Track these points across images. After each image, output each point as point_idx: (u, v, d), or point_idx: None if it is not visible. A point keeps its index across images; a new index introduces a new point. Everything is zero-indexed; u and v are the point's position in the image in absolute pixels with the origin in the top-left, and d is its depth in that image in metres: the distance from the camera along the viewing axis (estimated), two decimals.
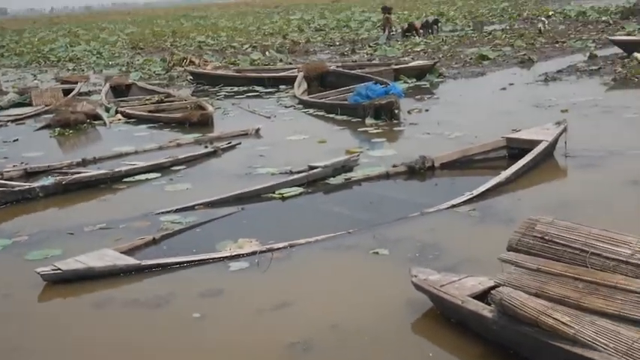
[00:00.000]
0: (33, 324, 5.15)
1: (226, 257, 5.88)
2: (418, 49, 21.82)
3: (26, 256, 6.36)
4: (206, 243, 6.30)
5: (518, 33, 24.86)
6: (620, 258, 4.10)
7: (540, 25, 27.63)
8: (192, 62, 21.58)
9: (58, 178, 8.61)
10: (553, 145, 8.41)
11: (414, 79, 15.54)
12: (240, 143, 10.37)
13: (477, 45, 21.75)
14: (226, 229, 6.68)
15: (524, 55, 18.61)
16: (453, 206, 6.79)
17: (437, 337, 4.46)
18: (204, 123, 12.07)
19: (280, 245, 6.02)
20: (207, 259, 5.87)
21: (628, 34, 20.90)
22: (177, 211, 7.23)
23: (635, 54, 15.76)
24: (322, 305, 5.01)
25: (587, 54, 17.66)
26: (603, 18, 28.84)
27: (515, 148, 8.45)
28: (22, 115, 14.46)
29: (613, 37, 18.67)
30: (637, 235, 4.37)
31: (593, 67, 15.43)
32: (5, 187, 8.24)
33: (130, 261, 5.81)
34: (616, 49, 17.23)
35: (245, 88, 16.48)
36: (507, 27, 28.60)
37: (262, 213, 7.17)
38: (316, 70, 15.94)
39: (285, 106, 13.66)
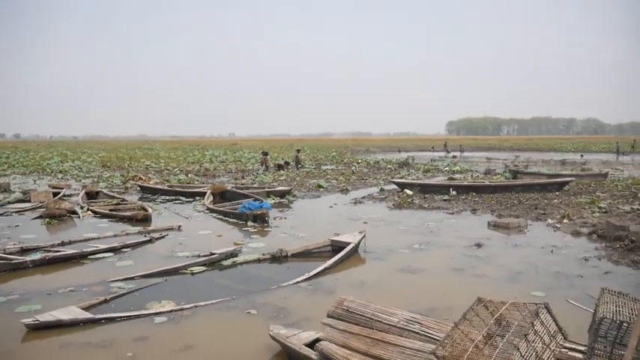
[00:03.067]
0: (16, 357, 4.72)
1: (152, 313, 5.60)
2: (282, 179, 22.07)
3: (16, 309, 5.81)
4: (140, 303, 5.96)
5: (340, 172, 25.62)
6: (392, 324, 4.23)
7: (353, 167, 28.75)
8: (140, 178, 20.97)
9: (43, 254, 8.00)
10: (358, 245, 8.62)
11: (279, 198, 15.65)
12: (167, 234, 10.03)
13: (317, 178, 22.25)
14: (154, 293, 6.34)
15: (344, 186, 19.17)
16: (297, 282, 6.78)
17: None
18: (145, 220, 11.62)
19: (189, 306, 5.80)
20: (140, 315, 5.55)
21: (402, 177, 22.06)
22: (122, 280, 6.84)
23: (406, 190, 16.62)
24: (213, 348, 4.84)
25: (379, 188, 18.30)
26: (389, 166, 30.32)
27: (336, 246, 8.58)
28: (23, 208, 13.40)
29: (393, 179, 19.56)
30: (402, 308, 4.55)
31: (382, 196, 15.96)
32: (5, 260, 7.59)
33: (88, 315, 5.43)
34: (394, 186, 17.93)
35: (174, 198, 16.05)
36: (335, 168, 29.49)
37: (179, 283, 6.88)
38: (219, 188, 15.81)
39: (198, 211, 13.35)
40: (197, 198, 15.59)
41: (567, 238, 9.59)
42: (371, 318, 4.31)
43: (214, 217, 12.42)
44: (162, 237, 9.82)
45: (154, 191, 17.24)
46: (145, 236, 9.70)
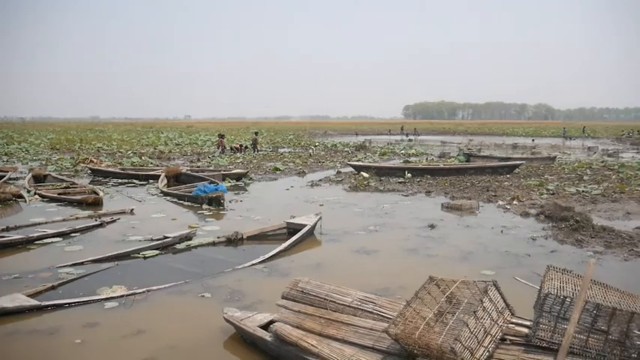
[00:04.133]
0: None
1: (103, 299, 5.44)
2: (239, 161, 21.86)
3: None
4: (90, 288, 5.78)
5: (297, 155, 25.56)
6: (345, 304, 4.25)
7: (310, 150, 28.73)
8: (91, 161, 20.36)
9: None
10: (314, 227, 8.63)
11: (235, 181, 15.50)
12: (119, 218, 9.76)
13: (274, 160, 22.13)
14: (105, 278, 6.16)
15: (301, 169, 19.14)
16: (253, 265, 6.74)
17: (237, 352, 4.37)
18: (96, 204, 11.28)
19: (141, 290, 5.66)
20: (89, 300, 5.38)
21: (358, 160, 22.21)
22: (71, 265, 6.62)
23: (362, 172, 16.74)
24: (166, 332, 4.75)
25: (336, 171, 18.39)
26: (346, 149, 30.46)
27: (292, 228, 8.56)
28: None
29: (350, 162, 19.65)
30: (356, 288, 4.58)
31: (339, 179, 16.01)
32: None
33: (34, 302, 5.22)
34: (351, 169, 18.02)
35: (126, 181, 15.61)
36: (292, 150, 29.40)
37: (131, 267, 6.71)
38: (174, 171, 15.50)
39: (152, 194, 13.05)
40: (151, 181, 15.26)
41: (516, 219, 9.89)
42: (325, 298, 4.33)
43: (168, 200, 12.19)
44: (114, 221, 9.56)
45: (106, 174, 16.76)
46: (96, 220, 9.41)
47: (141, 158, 23.13)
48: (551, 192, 12.99)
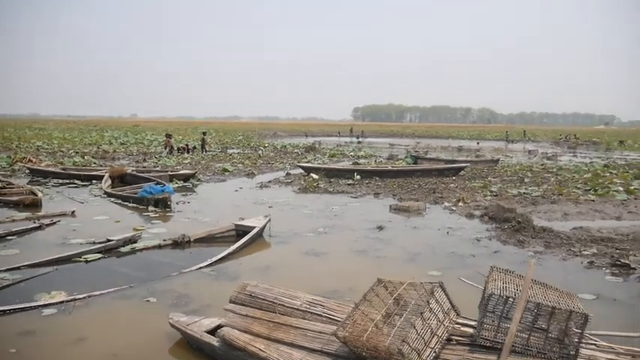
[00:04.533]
0: None
1: (40, 305, 5.19)
2: (186, 162, 21.43)
3: None
4: (27, 294, 5.50)
5: (247, 156, 25.33)
6: (294, 307, 4.22)
7: (260, 151, 28.55)
8: (30, 160, 19.42)
9: None
10: (263, 229, 8.56)
11: (182, 182, 15.18)
12: (60, 221, 9.38)
13: (223, 161, 21.85)
14: (43, 284, 5.88)
15: (250, 170, 18.95)
16: (200, 268, 6.61)
17: (183, 358, 4.26)
18: (35, 205, 10.80)
19: (82, 296, 5.44)
20: (26, 307, 5.13)
21: (308, 162, 22.24)
22: (6, 270, 6.27)
23: (312, 174, 16.75)
24: (109, 339, 4.58)
25: (286, 172, 18.30)
26: (295, 150, 30.41)
27: (241, 231, 8.46)
28: None
29: (299, 164, 19.67)
30: (305, 291, 4.56)
31: (288, 180, 15.95)
32: None
33: None
34: (301, 171, 18.01)
35: (68, 181, 15.02)
36: (241, 151, 29.11)
37: (71, 272, 6.45)
38: (118, 171, 15.06)
39: (95, 195, 12.60)
40: (94, 182, 14.73)
41: (462, 220, 10.13)
42: (273, 302, 4.28)
43: (112, 201, 11.80)
44: (54, 223, 9.17)
45: (46, 174, 16.07)
46: (34, 222, 8.99)
47: (83, 158, 22.33)
48: (494, 194, 13.40)
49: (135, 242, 7.82)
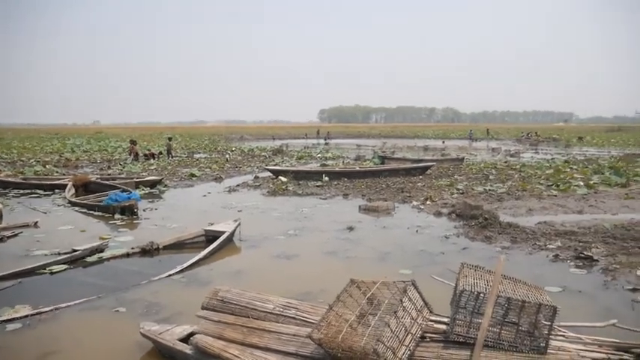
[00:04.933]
0: None
1: (4, 320, 5.01)
2: (152, 168, 21.09)
3: None
4: None
5: (214, 160, 25.07)
6: (267, 311, 4.19)
7: (227, 155, 28.29)
8: None
9: None
10: (233, 233, 8.49)
11: (149, 188, 14.92)
12: (22, 232, 9.10)
13: (190, 166, 21.57)
14: (6, 298, 5.67)
15: (218, 174, 18.76)
16: (170, 275, 6.51)
17: None
18: None
19: (47, 309, 5.28)
20: None
21: (276, 165, 22.16)
22: None
23: (280, 177, 16.70)
24: (77, 352, 4.46)
25: (254, 175, 18.18)
26: (263, 153, 30.27)
27: (210, 236, 8.37)
28: None
29: (267, 167, 19.58)
30: (278, 294, 4.53)
31: (257, 184, 15.85)
32: None
33: None
34: (269, 174, 17.92)
35: (29, 191, 14.59)
36: (208, 156, 28.80)
37: (36, 285, 6.25)
38: (82, 180, 14.70)
39: (58, 205, 12.26)
40: (57, 191, 14.35)
41: (430, 218, 10.26)
42: (246, 307, 4.24)
43: (77, 210, 11.51)
44: (16, 235, 8.89)
45: (5, 185, 15.54)
46: None
47: (45, 167, 21.68)
48: (461, 191, 13.61)
49: (102, 251, 7.64)
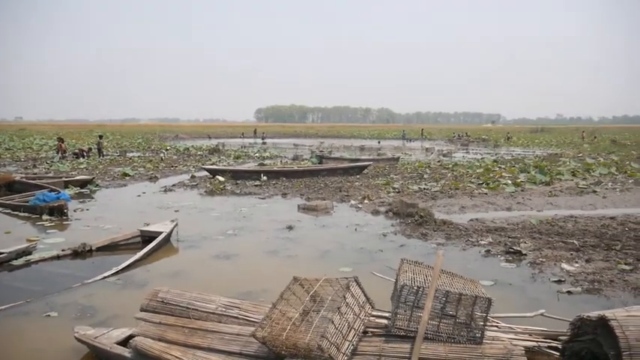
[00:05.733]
0: None
1: None
2: (82, 167, 20.24)
3: None
4: None
5: (148, 159, 24.38)
6: (209, 311, 4.15)
7: (162, 154, 27.58)
8: None
9: None
10: (170, 234, 8.31)
11: (79, 188, 14.31)
12: None
13: (122, 165, 20.87)
14: None
15: (152, 174, 18.26)
16: (105, 277, 6.28)
17: None
18: None
19: None
20: None
21: (213, 164, 21.83)
22: None
23: (217, 176, 16.46)
24: None
25: (190, 175, 17.83)
26: (199, 152, 29.75)
27: (147, 236, 8.15)
28: None
29: (204, 166, 19.26)
30: (219, 294, 4.48)
31: (194, 183, 15.59)
32: None
33: None
34: (206, 173, 17.66)
35: None
36: (142, 155, 27.97)
37: None
38: (5, 179, 13.94)
39: None
40: None
41: (368, 217, 10.44)
42: (188, 307, 4.17)
43: (0, 211, 10.87)
44: None
45: None
46: None
47: None
48: (397, 190, 13.94)
49: (29, 254, 7.29)
